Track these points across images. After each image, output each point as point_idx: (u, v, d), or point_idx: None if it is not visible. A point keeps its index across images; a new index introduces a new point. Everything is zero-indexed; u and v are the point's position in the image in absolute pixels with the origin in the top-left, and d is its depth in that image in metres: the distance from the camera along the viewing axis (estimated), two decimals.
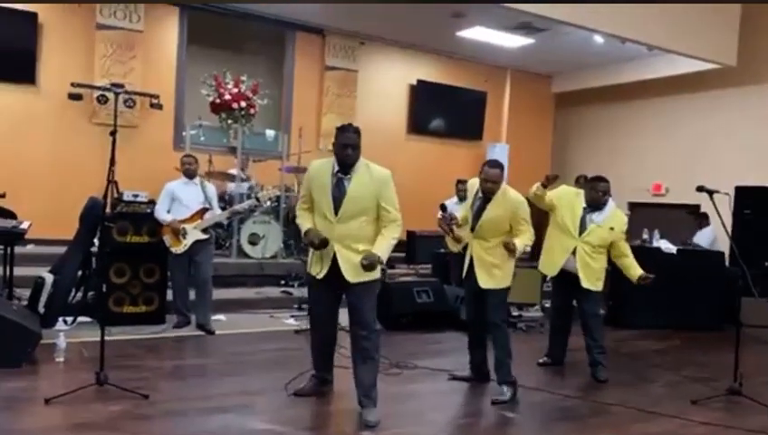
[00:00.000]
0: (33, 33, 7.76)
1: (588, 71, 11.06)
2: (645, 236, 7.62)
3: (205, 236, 5.55)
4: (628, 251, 4.88)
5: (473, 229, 4.26)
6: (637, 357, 5.69)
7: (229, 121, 8.00)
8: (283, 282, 7.34)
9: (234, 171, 7.88)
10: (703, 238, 8.44)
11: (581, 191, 4.86)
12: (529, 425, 3.85)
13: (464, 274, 4.35)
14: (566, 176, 10.10)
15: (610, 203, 4.82)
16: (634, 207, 10.59)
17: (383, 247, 3.52)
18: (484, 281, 4.18)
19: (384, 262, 3.54)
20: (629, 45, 8.59)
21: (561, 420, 3.91)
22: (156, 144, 8.44)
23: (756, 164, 8.95)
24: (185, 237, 5.48)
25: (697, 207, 8.87)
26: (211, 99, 8.04)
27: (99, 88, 7.92)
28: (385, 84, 10.47)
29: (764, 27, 9.04)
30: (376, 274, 3.57)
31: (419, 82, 10.61)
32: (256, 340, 5.47)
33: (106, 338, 3.88)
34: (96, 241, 5.53)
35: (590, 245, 4.72)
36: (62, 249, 5.65)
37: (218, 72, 8.17)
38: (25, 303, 5.23)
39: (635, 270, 4.80)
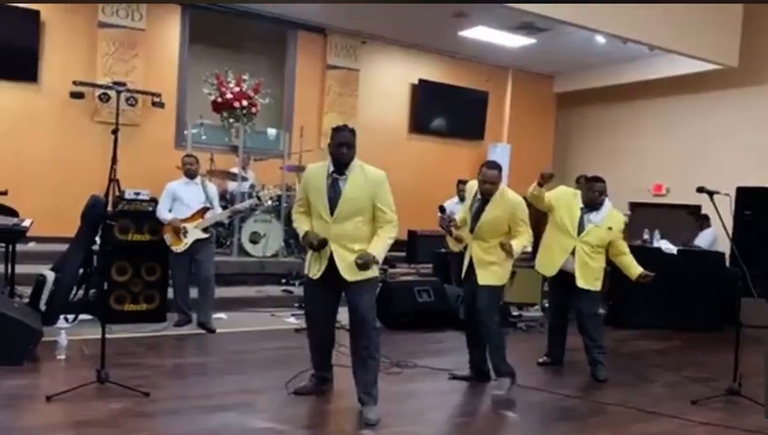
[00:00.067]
0: (35, 31, 7.78)
1: (589, 71, 11.07)
2: (645, 236, 7.62)
3: (205, 236, 5.56)
4: (627, 250, 4.91)
5: (472, 230, 4.29)
6: (637, 357, 5.69)
7: (231, 120, 8.01)
8: (283, 280, 7.36)
9: (235, 170, 7.90)
10: (703, 240, 8.45)
11: (579, 192, 4.88)
12: (528, 424, 3.86)
13: (463, 274, 4.37)
14: (567, 176, 10.13)
15: (607, 203, 4.84)
16: (635, 208, 10.59)
17: (379, 248, 3.55)
18: (482, 277, 4.22)
19: (379, 262, 3.57)
20: (631, 46, 8.59)
21: (560, 419, 3.92)
22: (157, 142, 8.46)
23: (757, 165, 8.94)
24: (185, 236, 5.49)
25: (698, 207, 8.87)
26: (213, 97, 8.05)
27: (101, 86, 7.94)
28: (386, 84, 10.48)
29: (766, 28, 9.03)
30: (374, 272, 3.60)
31: (421, 81, 10.62)
32: (257, 338, 5.48)
33: (107, 336, 3.90)
34: (98, 239, 5.55)
35: (588, 245, 4.74)
36: (63, 247, 5.67)
37: (220, 70, 8.17)
38: (27, 300, 5.25)
39: (634, 268, 4.83)
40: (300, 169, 8.11)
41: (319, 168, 3.69)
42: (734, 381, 4.44)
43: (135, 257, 5.63)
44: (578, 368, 4.97)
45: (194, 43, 9.02)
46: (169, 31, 8.78)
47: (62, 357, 4.38)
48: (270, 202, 7.07)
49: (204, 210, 5.60)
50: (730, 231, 5.30)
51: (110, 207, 5.33)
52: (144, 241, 5.65)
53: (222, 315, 6.03)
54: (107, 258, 5.45)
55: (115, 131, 3.97)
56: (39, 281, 5.25)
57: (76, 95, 7.83)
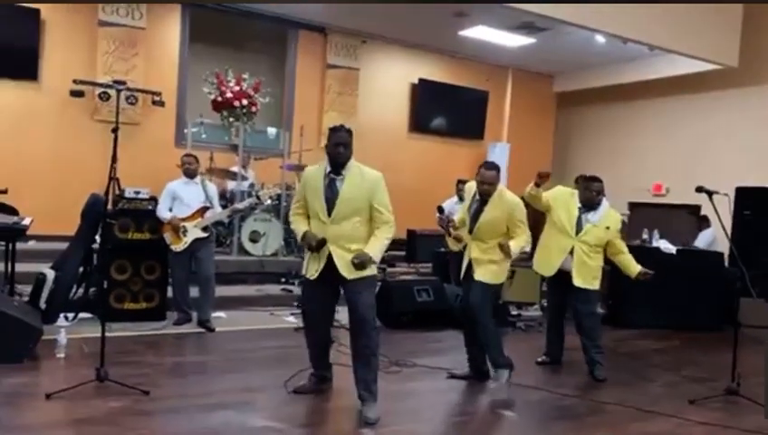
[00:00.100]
0: (35, 29, 7.79)
1: (589, 71, 11.08)
2: (645, 236, 7.64)
3: (205, 235, 5.56)
4: (625, 248, 4.93)
5: (470, 231, 4.32)
6: (636, 357, 5.70)
7: (231, 119, 8.01)
8: (283, 279, 7.36)
9: (235, 169, 7.90)
10: (702, 240, 8.46)
11: (576, 192, 4.90)
12: (527, 423, 3.87)
13: (462, 274, 4.39)
14: (567, 175, 10.13)
15: (604, 202, 4.85)
16: (634, 207, 10.59)
17: (376, 248, 3.57)
18: (479, 274, 4.26)
19: (376, 262, 3.59)
20: (631, 45, 8.60)
21: (558, 418, 3.92)
22: (157, 141, 8.47)
23: (756, 165, 8.95)
24: (185, 235, 5.50)
25: (698, 207, 8.88)
26: (213, 96, 8.05)
27: (101, 85, 7.94)
28: (386, 83, 10.49)
29: (766, 28, 9.04)
30: (372, 270, 3.63)
31: (421, 80, 10.63)
32: (256, 337, 5.48)
33: (107, 334, 3.91)
34: (97, 238, 5.55)
35: (587, 244, 4.75)
36: (63, 246, 5.67)
37: (220, 69, 8.18)
38: (27, 299, 5.25)
39: (633, 267, 4.85)
40: (300, 168, 8.11)
41: (316, 169, 3.72)
42: (733, 380, 4.45)
43: (135, 256, 5.63)
44: (576, 367, 4.98)
45: (194, 42, 9.02)
46: (170, 30, 8.79)
47: (62, 355, 4.38)
48: (270, 201, 7.06)
49: (203, 209, 5.61)
50: (729, 231, 5.30)
51: (109, 206, 5.34)
52: (144, 240, 5.65)
53: (221, 314, 6.04)
54: (107, 257, 5.46)
55: (115, 130, 3.97)
56: (39, 279, 5.26)
57: (76, 94, 7.83)
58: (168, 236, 5.53)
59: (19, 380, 3.88)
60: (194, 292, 5.70)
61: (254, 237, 7.51)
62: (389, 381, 4.28)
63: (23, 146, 7.81)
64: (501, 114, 11.70)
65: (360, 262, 3.49)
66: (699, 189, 4.53)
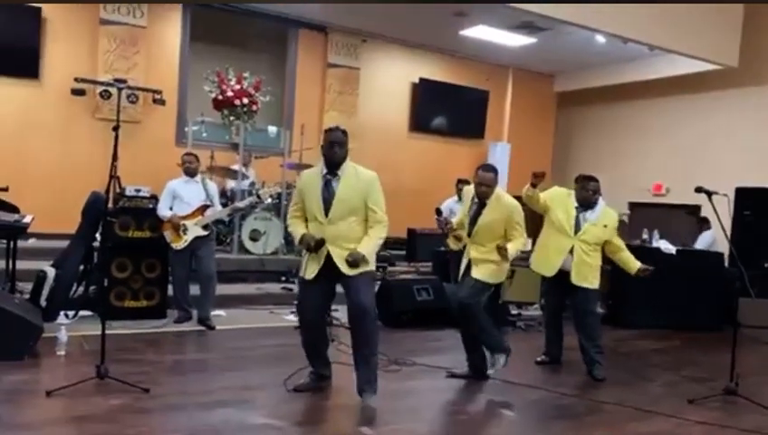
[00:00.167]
0: (36, 28, 7.80)
1: (590, 70, 11.08)
2: (645, 236, 7.65)
3: (205, 233, 5.57)
4: (623, 245, 4.98)
5: (469, 234, 4.35)
6: (635, 357, 5.71)
7: (231, 118, 8.02)
8: (283, 278, 7.38)
9: (236, 167, 7.91)
10: (702, 242, 8.46)
11: (572, 192, 4.91)
12: (525, 422, 3.88)
13: (460, 275, 4.42)
14: (567, 175, 10.14)
15: (600, 202, 4.87)
16: (634, 207, 10.61)
17: (369, 247, 3.64)
18: (475, 272, 4.29)
19: (368, 261, 3.64)
20: (631, 45, 8.60)
21: (557, 418, 3.93)
22: (158, 140, 8.48)
23: (757, 165, 8.96)
24: (185, 233, 5.51)
25: (698, 207, 8.89)
26: (213, 95, 8.05)
27: (102, 83, 7.96)
28: (387, 82, 10.50)
29: (766, 28, 9.04)
30: (371, 265, 3.69)
31: (422, 80, 10.64)
32: (256, 335, 5.49)
33: (107, 332, 3.91)
34: (98, 236, 5.56)
35: (586, 243, 4.77)
36: (64, 243, 5.68)
37: (221, 68, 8.18)
38: (27, 296, 5.26)
39: (633, 263, 4.89)
40: (300, 166, 8.13)
41: (312, 171, 3.80)
42: (732, 380, 4.45)
43: (135, 254, 5.64)
44: (576, 367, 4.98)
45: (195, 41, 9.03)
46: (170, 28, 8.80)
47: (62, 353, 4.39)
48: (270, 200, 7.09)
49: (204, 208, 5.62)
50: (729, 231, 5.31)
51: (110, 204, 5.35)
52: (144, 238, 5.66)
53: (221, 312, 6.05)
54: (107, 255, 5.47)
55: (116, 128, 3.98)
56: (39, 277, 5.27)
57: (77, 92, 7.85)
58: (168, 235, 5.54)
59: (19, 377, 3.89)
60: (194, 290, 5.71)
61: (255, 236, 7.52)
62: (389, 379, 4.29)
63: (24, 144, 7.83)
64: (501, 114, 11.71)
65: (354, 260, 3.56)
66: (699, 190, 4.54)
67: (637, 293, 6.89)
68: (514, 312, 6.90)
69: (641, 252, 5.81)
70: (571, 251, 4.76)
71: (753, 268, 5.60)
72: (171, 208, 5.57)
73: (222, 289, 6.28)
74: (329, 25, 9.72)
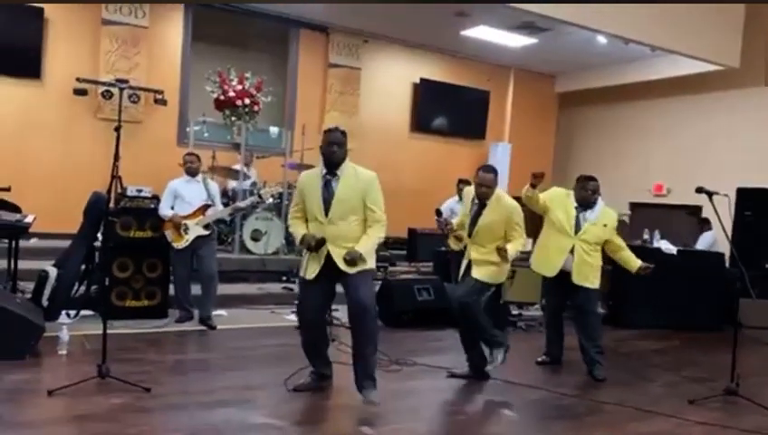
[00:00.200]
0: (39, 28, 7.82)
1: (591, 71, 11.08)
2: (645, 236, 7.64)
3: (206, 232, 5.58)
4: (623, 244, 5.00)
5: (470, 235, 4.37)
6: (636, 357, 5.71)
7: (233, 118, 8.04)
8: (284, 278, 7.39)
9: (237, 167, 7.93)
10: (703, 243, 8.47)
11: (571, 192, 4.93)
12: (526, 422, 3.88)
13: (460, 276, 4.43)
14: (569, 175, 10.15)
15: (600, 201, 4.89)
16: (635, 208, 10.62)
17: (367, 245, 3.67)
18: (475, 272, 4.31)
19: (366, 259, 3.66)
20: (632, 46, 8.60)
21: (557, 418, 3.94)
22: (160, 140, 8.50)
23: (758, 166, 8.96)
24: (186, 233, 5.52)
25: (699, 208, 8.88)
26: (215, 95, 8.07)
27: (104, 83, 7.97)
28: (388, 82, 10.50)
29: None
30: (371, 264, 3.72)
31: (423, 80, 10.64)
32: (257, 335, 5.50)
33: (108, 332, 3.92)
34: (99, 235, 5.57)
35: (586, 243, 4.79)
36: (65, 243, 5.70)
37: (222, 68, 8.20)
38: (29, 296, 5.27)
39: (633, 262, 4.91)
40: (302, 167, 8.14)
41: (312, 172, 3.84)
42: (732, 381, 4.45)
43: (137, 254, 5.65)
44: (576, 367, 4.99)
45: (197, 41, 9.04)
46: (172, 28, 8.81)
47: (64, 352, 4.40)
48: (271, 200, 7.10)
49: (205, 207, 5.63)
50: (730, 232, 5.32)
51: (112, 204, 5.35)
52: (146, 238, 5.67)
53: (222, 312, 6.06)
54: (109, 255, 5.48)
55: (118, 128, 3.99)
56: (41, 277, 5.28)
57: (79, 92, 7.87)
58: (169, 234, 5.55)
59: (21, 376, 3.90)
60: (195, 289, 5.72)
61: (256, 236, 7.53)
62: (390, 379, 4.30)
63: (26, 144, 7.84)
64: (502, 114, 11.71)
65: (351, 259, 3.59)
66: (699, 190, 4.55)
67: (637, 293, 6.89)
68: (515, 312, 6.90)
69: (642, 252, 5.80)
70: (572, 251, 4.77)
71: (753, 269, 5.59)
72: (173, 208, 5.58)
73: (223, 289, 6.29)
74: (330, 26, 9.73)
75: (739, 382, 4.43)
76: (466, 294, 4.30)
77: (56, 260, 5.50)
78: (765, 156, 9.01)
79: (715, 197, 4.50)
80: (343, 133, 3.74)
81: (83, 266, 5.52)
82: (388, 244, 9.05)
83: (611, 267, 5.44)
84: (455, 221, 4.54)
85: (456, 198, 7.35)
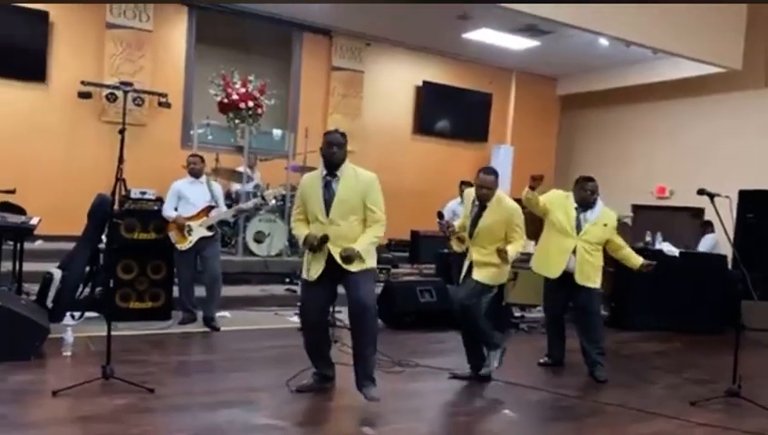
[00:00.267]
0: (44, 31, 7.87)
1: (593, 73, 11.10)
2: (648, 238, 7.65)
3: (210, 234, 5.61)
4: (624, 243, 5.03)
5: (470, 236, 4.39)
6: (638, 359, 5.71)
7: (236, 121, 8.08)
8: (287, 280, 7.41)
9: (240, 169, 7.96)
10: (704, 245, 8.46)
11: (570, 193, 4.95)
12: (527, 424, 3.90)
13: (462, 277, 4.45)
14: (570, 177, 10.13)
15: (599, 202, 4.92)
16: (638, 210, 10.61)
17: (364, 244, 3.71)
18: (476, 274, 4.32)
19: (363, 258, 3.69)
20: (634, 48, 8.61)
21: (559, 419, 3.95)
22: (164, 142, 8.53)
23: (760, 168, 8.95)
24: (190, 234, 5.55)
25: (701, 210, 8.88)
26: (219, 98, 8.11)
27: (108, 86, 8.01)
28: (391, 85, 10.53)
29: None
30: (371, 263, 3.77)
31: (425, 83, 10.67)
32: (260, 337, 5.53)
33: (112, 333, 3.94)
34: (104, 237, 5.60)
35: (588, 243, 4.81)
36: (70, 245, 5.73)
37: (226, 71, 8.24)
38: (34, 298, 5.31)
39: (635, 259, 4.95)
40: (305, 169, 8.17)
41: (313, 174, 3.88)
42: (734, 382, 4.46)
43: (141, 256, 5.68)
44: (578, 369, 4.99)
45: (200, 44, 9.09)
46: (176, 32, 8.86)
47: (68, 353, 4.43)
48: (274, 201, 7.12)
49: (209, 209, 5.66)
50: (732, 234, 5.33)
51: (116, 206, 5.38)
52: (150, 240, 5.71)
53: (226, 314, 6.08)
54: (113, 256, 5.51)
55: (122, 131, 4.03)
56: (46, 278, 5.32)
57: (84, 95, 7.91)
58: (173, 235, 5.58)
59: (26, 377, 3.93)
60: (199, 291, 5.75)
61: (259, 238, 7.56)
62: (392, 380, 4.32)
63: (31, 147, 7.89)
64: (504, 117, 11.73)
65: (348, 256, 3.63)
66: (701, 192, 4.56)
67: (639, 295, 6.90)
68: (518, 314, 6.91)
69: (644, 254, 5.77)
70: (574, 251, 4.79)
71: (755, 271, 5.60)
72: (176, 209, 5.61)
73: (226, 291, 6.31)
74: (333, 29, 9.77)
75: (741, 384, 4.42)
76: (468, 297, 4.33)
77: (61, 262, 5.54)
78: (767, 158, 9.00)
79: (716, 199, 4.51)
80: (343, 135, 3.79)
81: (88, 268, 5.56)
82: (390, 246, 9.08)
83: (614, 269, 5.45)
84: (456, 223, 4.56)
85: (459, 200, 7.36)
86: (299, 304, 6.57)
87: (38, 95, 7.98)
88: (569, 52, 9.85)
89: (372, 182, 3.77)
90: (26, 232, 5.41)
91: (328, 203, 3.71)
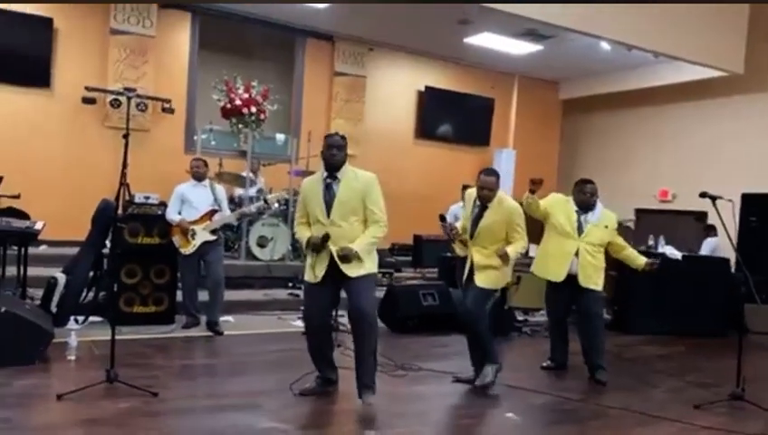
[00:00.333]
0: (48, 38, 7.92)
1: (595, 77, 11.12)
2: (650, 242, 7.64)
3: (213, 238, 5.63)
4: (626, 244, 5.05)
5: (471, 237, 4.39)
6: (641, 362, 5.71)
7: (239, 126, 8.10)
8: (290, 284, 7.41)
9: (244, 174, 7.98)
10: (706, 248, 8.45)
11: (571, 197, 4.97)
12: (530, 427, 3.90)
13: (464, 280, 4.45)
14: (573, 182, 10.13)
15: (599, 204, 4.93)
16: (640, 214, 10.61)
17: (362, 244, 3.73)
18: (478, 279, 4.32)
19: (361, 258, 3.71)
20: (636, 52, 8.62)
21: (562, 422, 3.95)
22: (167, 148, 8.57)
23: (763, 172, 8.95)
24: (193, 238, 5.57)
25: (704, 214, 8.87)
26: (222, 104, 8.14)
27: (112, 92, 8.07)
28: (393, 90, 10.57)
29: None
30: (372, 267, 3.80)
31: (427, 88, 10.70)
32: (263, 341, 5.54)
33: (116, 337, 3.96)
34: (108, 242, 5.62)
35: (591, 244, 4.83)
36: (74, 250, 5.74)
37: (229, 77, 8.27)
38: (38, 302, 5.32)
39: (638, 259, 4.98)
40: (307, 173, 8.19)
41: (313, 178, 3.94)
42: (738, 386, 4.45)
43: (144, 260, 5.71)
44: (581, 372, 4.99)
45: (203, 50, 9.14)
46: (179, 38, 8.91)
47: (73, 357, 4.45)
48: (277, 205, 7.15)
49: (212, 212, 5.68)
50: (735, 237, 5.33)
51: (120, 211, 5.41)
52: (153, 244, 5.73)
53: (229, 318, 6.09)
54: (117, 261, 5.53)
55: (126, 136, 4.05)
56: (50, 283, 5.33)
57: (88, 101, 7.96)
58: (176, 239, 5.60)
59: (30, 381, 3.95)
60: (202, 295, 5.76)
61: (262, 242, 7.58)
62: (395, 384, 4.33)
63: (35, 152, 7.93)
64: (507, 121, 11.75)
65: (344, 255, 3.66)
66: (703, 195, 4.57)
67: (642, 298, 6.89)
68: (520, 318, 6.90)
69: (647, 257, 5.82)
70: (576, 254, 4.80)
71: (758, 274, 5.60)
72: (180, 213, 5.63)
73: (229, 295, 6.33)
74: (335, 34, 9.81)
75: (745, 387, 4.42)
76: (473, 304, 4.31)
77: (65, 267, 5.55)
78: None
79: (719, 202, 4.51)
80: (342, 137, 3.84)
81: (92, 273, 5.57)
82: (393, 250, 9.09)
83: (616, 273, 5.46)
84: (459, 225, 4.55)
85: (461, 203, 7.34)
86: (302, 307, 6.63)
87: (42, 101, 8.03)
88: (570, 56, 9.87)
89: (372, 182, 3.80)
90: (31, 237, 5.44)
91: (329, 204, 3.75)
